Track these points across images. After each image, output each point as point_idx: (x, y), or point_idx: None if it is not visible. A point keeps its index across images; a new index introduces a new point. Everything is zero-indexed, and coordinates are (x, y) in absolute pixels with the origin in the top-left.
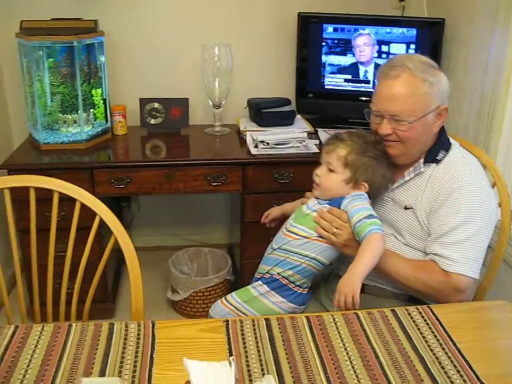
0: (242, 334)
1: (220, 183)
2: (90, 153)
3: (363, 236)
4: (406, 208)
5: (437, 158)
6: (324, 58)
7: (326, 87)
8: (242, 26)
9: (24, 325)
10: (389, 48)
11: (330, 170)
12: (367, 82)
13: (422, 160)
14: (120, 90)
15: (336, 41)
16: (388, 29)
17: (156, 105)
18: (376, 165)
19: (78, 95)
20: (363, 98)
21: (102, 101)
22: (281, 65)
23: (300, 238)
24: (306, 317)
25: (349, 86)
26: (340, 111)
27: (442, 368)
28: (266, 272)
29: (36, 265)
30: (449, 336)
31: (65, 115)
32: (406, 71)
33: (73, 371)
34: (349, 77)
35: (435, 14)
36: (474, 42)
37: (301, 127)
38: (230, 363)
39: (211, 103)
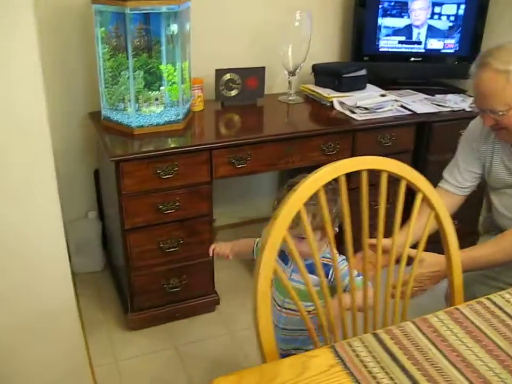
0: None
1: (333, 152)
2: (188, 133)
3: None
4: None
5: None
6: (379, 21)
7: (380, 49)
8: None
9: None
10: (441, 9)
11: (302, 238)
12: (419, 43)
13: None
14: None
15: (392, 4)
16: None
17: (233, 75)
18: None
19: (165, 69)
20: (413, 59)
21: (188, 75)
22: (334, 30)
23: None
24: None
25: (402, 48)
26: (391, 73)
27: None
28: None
29: None
30: None
31: (150, 93)
32: (488, 68)
33: None
34: (403, 38)
35: None
36: None
37: (374, 90)
38: None
39: (286, 71)
